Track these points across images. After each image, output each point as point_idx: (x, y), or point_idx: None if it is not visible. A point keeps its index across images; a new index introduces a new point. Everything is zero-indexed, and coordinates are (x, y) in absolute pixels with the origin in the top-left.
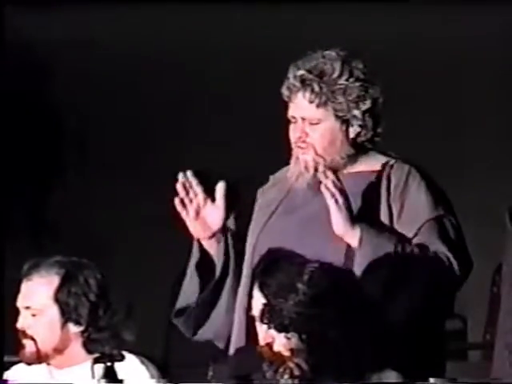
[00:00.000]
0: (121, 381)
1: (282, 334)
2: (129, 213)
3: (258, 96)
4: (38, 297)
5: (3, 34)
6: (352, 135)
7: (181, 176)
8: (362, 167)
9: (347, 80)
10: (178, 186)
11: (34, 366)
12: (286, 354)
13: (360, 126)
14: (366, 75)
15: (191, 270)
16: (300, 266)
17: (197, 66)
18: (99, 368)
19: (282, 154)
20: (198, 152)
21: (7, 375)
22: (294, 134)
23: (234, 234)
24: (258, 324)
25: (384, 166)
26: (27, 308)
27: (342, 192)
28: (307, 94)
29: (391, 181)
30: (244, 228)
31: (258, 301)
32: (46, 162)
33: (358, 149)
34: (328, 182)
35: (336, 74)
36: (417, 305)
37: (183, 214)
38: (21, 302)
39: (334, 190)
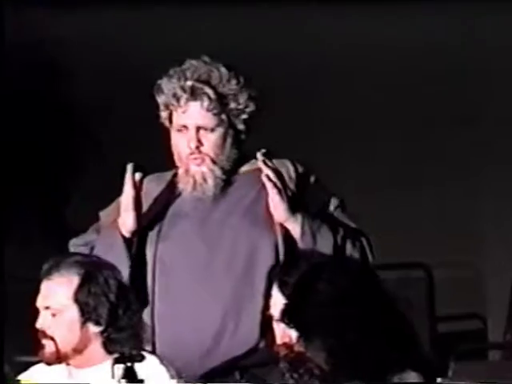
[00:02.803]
0: (141, 381)
1: (302, 334)
2: None
3: None
4: (57, 297)
5: (14, 33)
6: (238, 139)
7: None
8: (247, 168)
9: (236, 85)
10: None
11: (53, 366)
12: (307, 354)
13: (243, 130)
14: (246, 79)
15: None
16: (319, 264)
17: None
18: (119, 368)
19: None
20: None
21: (25, 375)
22: (185, 143)
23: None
24: (275, 323)
25: (265, 163)
26: (47, 308)
27: (282, 180)
28: (205, 103)
29: (282, 173)
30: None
31: (277, 300)
32: (64, 161)
33: (239, 151)
34: (269, 171)
35: (225, 80)
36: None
37: None
38: (40, 302)
39: (275, 179)
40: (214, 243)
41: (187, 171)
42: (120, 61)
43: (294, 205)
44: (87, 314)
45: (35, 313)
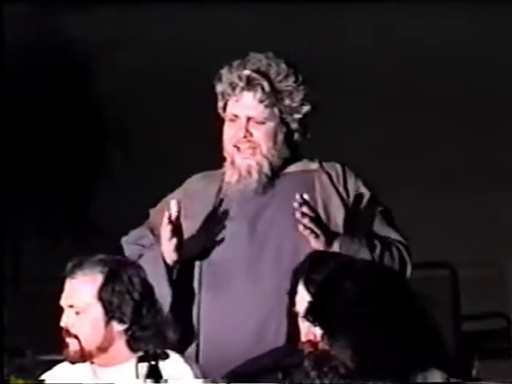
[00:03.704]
0: (165, 380)
1: (327, 332)
2: None
3: None
4: (81, 295)
5: (45, 35)
6: (290, 138)
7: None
8: (295, 168)
9: (294, 83)
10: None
11: (77, 365)
12: (331, 352)
13: (297, 129)
14: (308, 78)
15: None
16: (348, 263)
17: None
18: (143, 367)
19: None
20: None
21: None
22: (234, 132)
23: None
24: (300, 320)
25: (316, 166)
26: (71, 306)
27: (318, 218)
28: (258, 94)
29: (331, 175)
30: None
31: (303, 297)
32: (89, 162)
33: (292, 151)
34: (305, 220)
35: (282, 76)
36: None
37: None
38: (64, 301)
39: (311, 225)
40: (261, 243)
41: (233, 163)
42: (155, 60)
43: (331, 236)
44: (111, 312)
45: (59, 312)
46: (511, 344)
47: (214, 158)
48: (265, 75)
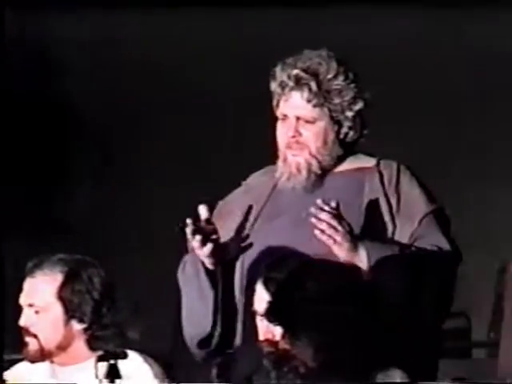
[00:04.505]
0: (124, 379)
1: (289, 331)
2: (136, 211)
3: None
4: (41, 294)
5: (9, 35)
6: (342, 136)
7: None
8: (348, 166)
9: (343, 81)
10: (191, 231)
11: (37, 364)
12: (292, 351)
13: (350, 127)
14: (358, 76)
15: (204, 294)
16: (308, 262)
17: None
18: (103, 366)
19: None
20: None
21: (8, 374)
22: (285, 132)
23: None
24: (258, 319)
25: (372, 163)
26: (30, 305)
27: (341, 221)
28: (305, 94)
29: (383, 176)
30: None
31: (261, 296)
32: (52, 162)
33: (346, 149)
34: (322, 226)
35: (331, 75)
36: (425, 302)
37: (201, 253)
38: (24, 300)
39: (329, 231)
40: (303, 241)
41: (285, 160)
42: (129, 64)
43: (355, 242)
44: (71, 311)
45: (19, 310)
46: (472, 343)
47: (186, 159)
48: (314, 74)
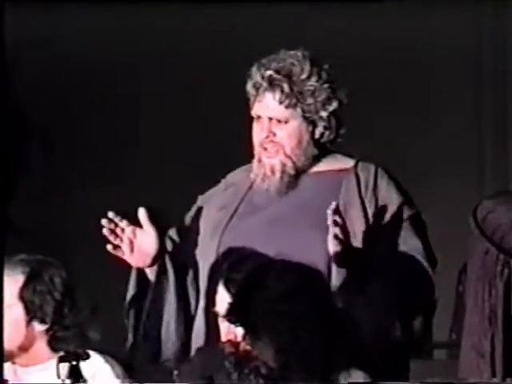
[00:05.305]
0: (86, 380)
1: (249, 332)
2: (95, 211)
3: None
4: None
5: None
6: (317, 136)
7: (104, 221)
8: (325, 167)
9: (316, 82)
10: (105, 231)
11: None
12: (253, 352)
13: (325, 127)
14: (332, 76)
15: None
16: (268, 262)
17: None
18: (64, 367)
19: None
20: (175, 148)
21: None
22: (259, 133)
23: (178, 245)
24: (220, 320)
25: (350, 165)
26: None
27: (345, 231)
28: (277, 95)
29: (360, 178)
30: (193, 235)
31: (223, 297)
32: (9, 161)
33: (321, 149)
34: (336, 229)
35: (305, 75)
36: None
37: (119, 253)
38: None
39: (341, 236)
40: (277, 242)
41: (259, 161)
42: (76, 61)
43: (352, 252)
44: (32, 312)
45: None
46: (433, 344)
47: (134, 156)
48: (287, 75)
